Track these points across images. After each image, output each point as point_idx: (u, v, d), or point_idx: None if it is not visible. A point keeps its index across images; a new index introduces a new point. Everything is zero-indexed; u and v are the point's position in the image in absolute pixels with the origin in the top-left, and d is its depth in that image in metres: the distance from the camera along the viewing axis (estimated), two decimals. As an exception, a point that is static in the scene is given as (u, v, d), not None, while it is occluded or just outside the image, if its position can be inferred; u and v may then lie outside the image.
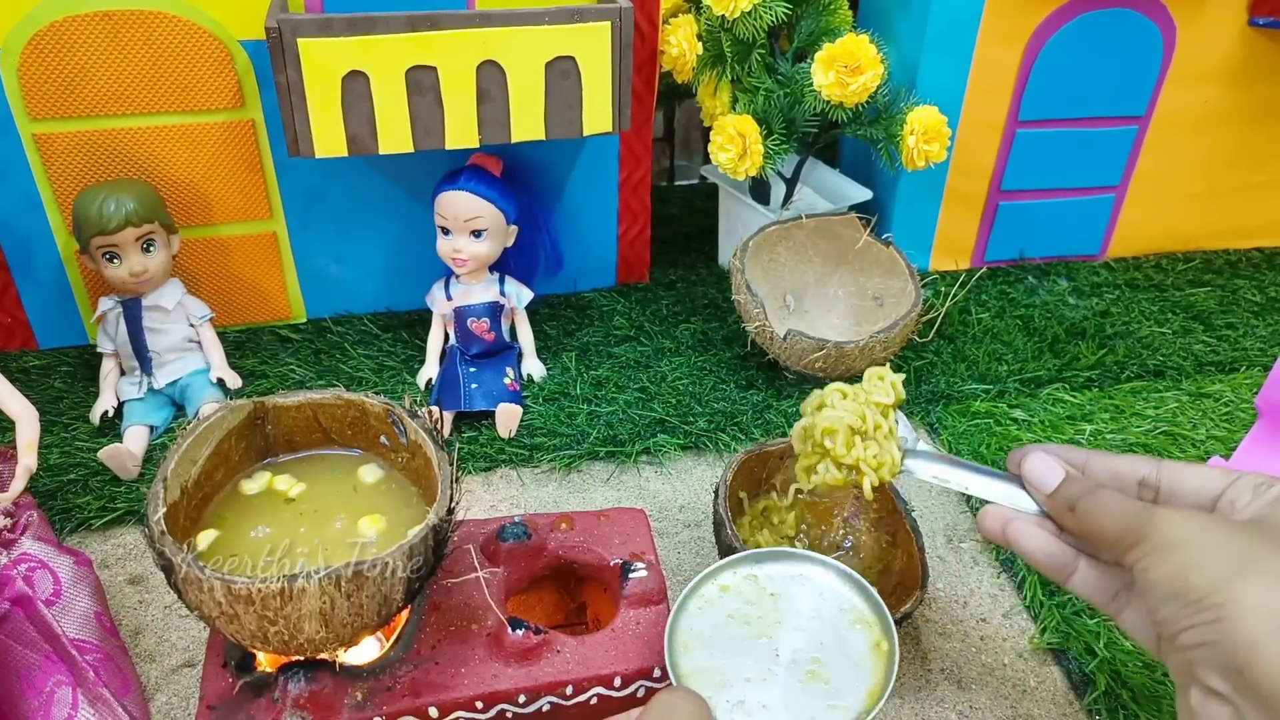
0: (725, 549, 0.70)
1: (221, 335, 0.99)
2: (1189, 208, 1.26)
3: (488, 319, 0.98)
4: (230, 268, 1.04)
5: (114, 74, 0.90)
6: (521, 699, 0.58)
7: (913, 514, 0.76)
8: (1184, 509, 0.44)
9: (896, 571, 0.75)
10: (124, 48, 0.89)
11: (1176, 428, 0.96)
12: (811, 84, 1.01)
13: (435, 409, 0.90)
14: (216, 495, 0.61)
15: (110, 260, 0.89)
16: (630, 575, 0.64)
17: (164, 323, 0.94)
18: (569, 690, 0.58)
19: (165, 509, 0.53)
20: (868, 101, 1.01)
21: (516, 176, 1.00)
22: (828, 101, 1.01)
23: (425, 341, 1.02)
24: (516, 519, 0.67)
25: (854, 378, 0.64)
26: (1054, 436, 0.94)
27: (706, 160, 1.20)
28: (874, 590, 0.54)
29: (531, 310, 1.04)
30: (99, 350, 0.95)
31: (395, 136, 0.87)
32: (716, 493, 0.75)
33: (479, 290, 0.98)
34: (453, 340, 1.00)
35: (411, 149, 0.88)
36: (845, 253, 1.08)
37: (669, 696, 0.42)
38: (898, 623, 0.70)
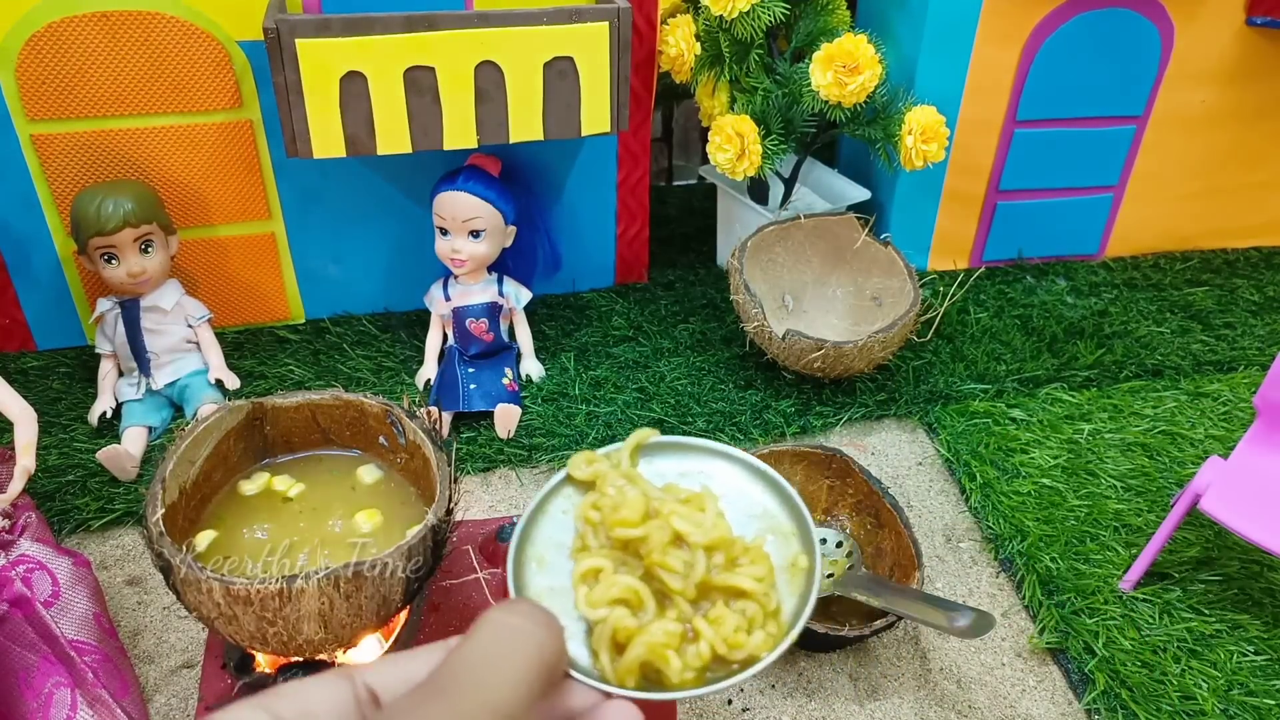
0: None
1: (220, 336, 0.99)
2: (1187, 207, 1.26)
3: (486, 319, 0.98)
4: (228, 268, 1.04)
5: (112, 75, 0.90)
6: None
7: (889, 491, 0.75)
8: None
9: (889, 552, 0.74)
10: (122, 48, 0.89)
11: (1175, 427, 0.96)
12: (810, 84, 1.01)
13: (434, 409, 0.90)
14: (215, 496, 0.61)
15: (108, 261, 0.89)
16: (629, 575, 0.64)
17: (162, 323, 0.94)
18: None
19: (164, 510, 0.53)
20: (866, 101, 1.01)
21: (515, 177, 1.00)
22: (826, 101, 1.01)
23: (424, 342, 1.02)
24: (515, 519, 0.66)
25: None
26: (1052, 436, 0.94)
27: (705, 160, 1.20)
28: (795, 492, 0.41)
29: (530, 311, 1.04)
30: (97, 351, 0.95)
31: (393, 137, 0.87)
32: (715, 493, 0.75)
33: (477, 291, 0.98)
34: (451, 341, 1.00)
35: (410, 149, 0.88)
36: (844, 253, 1.08)
37: (501, 615, 0.28)
38: (895, 624, 0.70)
